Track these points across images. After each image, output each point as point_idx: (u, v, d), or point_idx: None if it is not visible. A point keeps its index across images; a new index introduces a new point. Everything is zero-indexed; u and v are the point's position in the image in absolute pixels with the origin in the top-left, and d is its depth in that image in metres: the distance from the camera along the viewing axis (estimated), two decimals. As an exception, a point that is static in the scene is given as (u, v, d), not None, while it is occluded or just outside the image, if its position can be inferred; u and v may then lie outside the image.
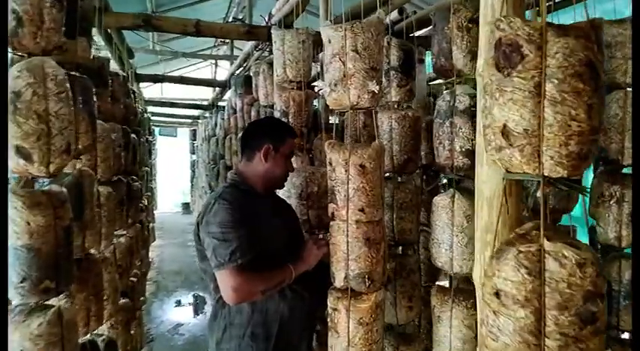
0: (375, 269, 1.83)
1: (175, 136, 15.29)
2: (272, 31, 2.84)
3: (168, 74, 10.21)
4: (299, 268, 1.94)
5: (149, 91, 12.54)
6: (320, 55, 4.27)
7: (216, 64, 12.37)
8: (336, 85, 1.83)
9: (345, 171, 1.81)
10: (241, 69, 4.99)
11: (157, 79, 6.01)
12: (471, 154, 1.94)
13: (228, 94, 5.61)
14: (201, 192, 9.92)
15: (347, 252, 1.82)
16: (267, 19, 3.19)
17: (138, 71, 6.91)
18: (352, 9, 2.95)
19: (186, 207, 15.24)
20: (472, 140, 1.93)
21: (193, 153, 13.05)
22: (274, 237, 2.02)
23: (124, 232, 3.57)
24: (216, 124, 6.65)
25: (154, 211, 12.09)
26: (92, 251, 2.31)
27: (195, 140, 12.55)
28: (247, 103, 4.23)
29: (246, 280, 1.84)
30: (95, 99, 2.43)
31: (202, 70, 13.39)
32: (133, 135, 4.05)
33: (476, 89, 2.30)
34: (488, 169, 1.07)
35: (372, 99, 1.84)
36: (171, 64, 11.60)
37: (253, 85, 3.88)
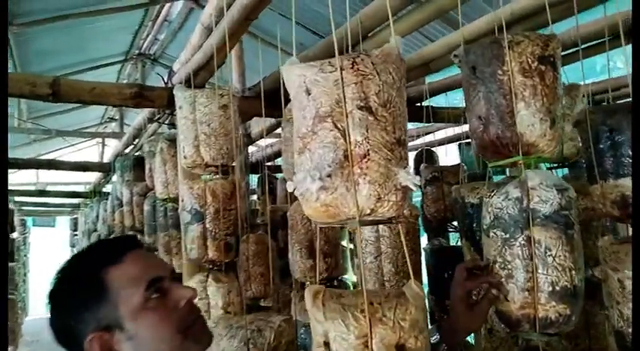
0: None
1: (54, 226, 13.22)
2: (175, 92, 1.85)
3: (42, 157, 8.65)
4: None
5: (20, 176, 10.65)
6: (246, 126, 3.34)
7: (103, 144, 10.92)
8: (329, 176, 0.87)
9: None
10: (132, 148, 3.87)
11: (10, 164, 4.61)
12: (570, 295, 1.05)
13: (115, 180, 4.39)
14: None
15: None
16: (166, 78, 2.20)
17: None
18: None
19: (64, 310, 12.78)
20: (571, 270, 1.05)
21: (74, 246, 11.09)
22: None
23: None
24: (97, 217, 5.30)
25: (24, 320, 9.89)
26: None
27: (76, 231, 10.69)
28: (138, 193, 3.11)
29: None
30: None
31: (87, 150, 11.82)
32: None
33: (570, 173, 1.46)
34: None
35: (401, 202, 0.90)
36: (49, 144, 9.99)
37: (146, 170, 2.80)
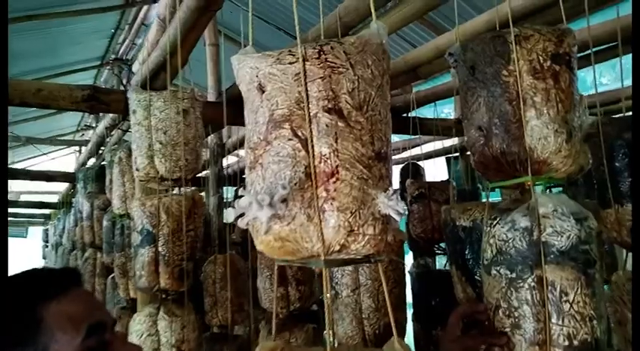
0: None
1: (25, 237, 12.78)
2: (129, 94, 1.62)
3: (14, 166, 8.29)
4: None
5: (-10, 183, 10.22)
6: (210, 137, 3.11)
7: (80, 153, 10.56)
8: (284, 201, 0.65)
9: None
10: (97, 157, 3.62)
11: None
12: (592, 351, 0.84)
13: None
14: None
15: None
16: (125, 80, 1.98)
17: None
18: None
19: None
20: (592, 320, 0.84)
21: (45, 258, 10.67)
22: None
23: None
24: (64, 230, 4.99)
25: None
26: None
27: (47, 243, 10.29)
28: (99, 206, 2.85)
29: None
30: None
31: (64, 159, 11.43)
32: None
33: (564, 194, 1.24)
34: None
35: (381, 235, 0.68)
36: (23, 152, 9.62)
37: (107, 182, 2.56)
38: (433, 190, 2.29)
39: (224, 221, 3.13)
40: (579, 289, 0.85)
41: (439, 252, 2.40)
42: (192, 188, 3.24)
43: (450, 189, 2.25)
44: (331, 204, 0.64)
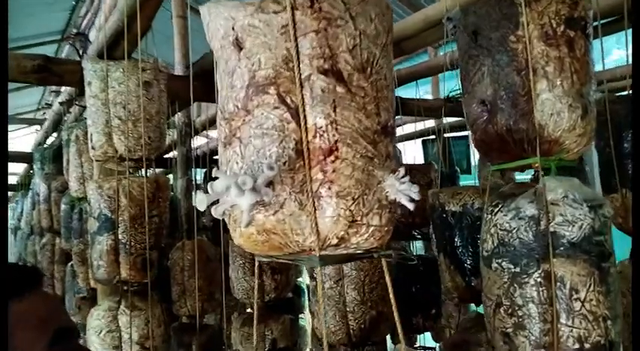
0: None
1: (-17, 220, 12.24)
2: (84, 64, 1.46)
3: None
4: None
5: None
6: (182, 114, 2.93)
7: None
8: (270, 185, 0.52)
9: None
10: (56, 136, 3.39)
11: None
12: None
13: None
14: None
15: None
16: (81, 51, 1.79)
17: None
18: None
19: None
20: (606, 320, 0.75)
21: (4, 242, 10.22)
22: None
23: None
24: (22, 213, 4.72)
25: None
26: None
27: (6, 226, 9.84)
28: (57, 188, 2.65)
29: None
30: None
31: (23, 139, 10.91)
32: None
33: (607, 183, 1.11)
34: None
35: (388, 226, 0.56)
36: (-24, 130, 9.11)
37: (64, 162, 2.37)
38: (414, 172, 2.19)
39: (195, 207, 2.98)
40: (592, 286, 0.75)
41: (419, 237, 2.31)
42: (158, 170, 3.07)
43: (431, 172, 2.16)
44: (329, 188, 0.52)
